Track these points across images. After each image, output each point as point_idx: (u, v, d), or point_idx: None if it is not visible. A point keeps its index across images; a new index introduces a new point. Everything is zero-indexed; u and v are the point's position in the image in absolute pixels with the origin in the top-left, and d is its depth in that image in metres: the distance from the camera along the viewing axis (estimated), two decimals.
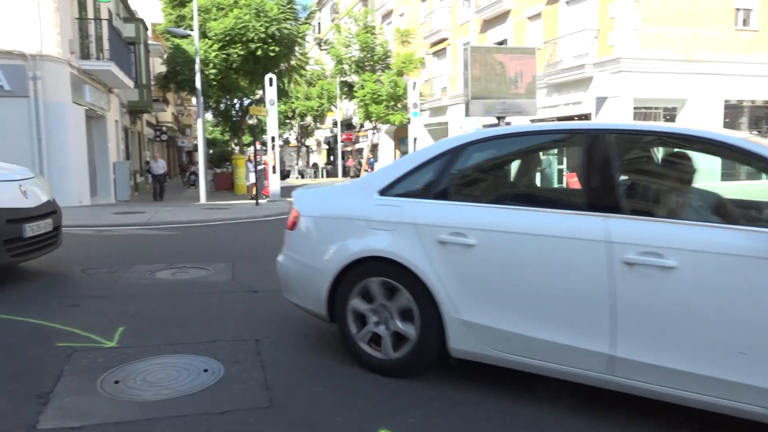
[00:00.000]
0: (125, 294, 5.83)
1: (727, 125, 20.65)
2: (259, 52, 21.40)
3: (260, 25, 20.97)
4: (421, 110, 26.11)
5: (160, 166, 20.83)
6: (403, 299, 3.51)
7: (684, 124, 3.44)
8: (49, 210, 6.58)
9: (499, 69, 18.61)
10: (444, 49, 30.70)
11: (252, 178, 20.23)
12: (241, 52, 21.63)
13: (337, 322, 3.85)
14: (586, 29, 20.04)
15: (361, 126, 32.93)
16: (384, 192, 3.72)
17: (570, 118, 22.62)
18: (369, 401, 3.34)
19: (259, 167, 20.32)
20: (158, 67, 29.08)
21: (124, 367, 3.78)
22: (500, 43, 24.26)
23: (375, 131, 28.47)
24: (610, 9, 19.16)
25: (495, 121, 19.52)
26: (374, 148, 35.08)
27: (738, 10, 20.10)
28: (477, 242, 3.23)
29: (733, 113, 20.98)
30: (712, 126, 18.05)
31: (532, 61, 19.05)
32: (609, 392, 3.04)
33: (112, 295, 5.80)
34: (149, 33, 27.53)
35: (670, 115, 20.17)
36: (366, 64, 25.11)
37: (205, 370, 3.73)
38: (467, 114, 19.03)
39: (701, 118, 19.82)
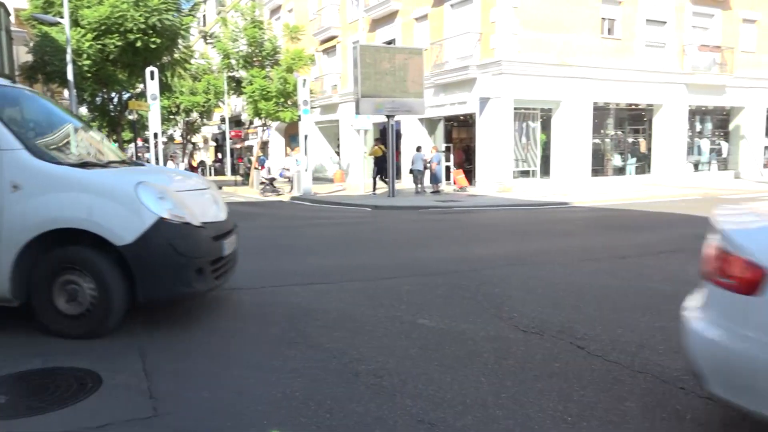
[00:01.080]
0: None
1: (595, 126, 22.37)
2: (138, 44, 20.25)
3: (139, 15, 19.84)
4: (312, 108, 25.95)
5: None
6: None
7: None
8: (234, 224, 5.53)
9: (388, 68, 18.92)
10: (334, 47, 30.70)
11: None
12: (119, 43, 20.36)
13: None
14: (469, 32, 20.85)
15: (251, 123, 32.15)
16: None
17: (456, 117, 23.48)
18: (257, 406, 3.28)
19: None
20: (23, 56, 26.68)
21: None
22: (389, 43, 24.66)
23: (265, 128, 27.89)
24: (491, 13, 20.07)
25: (385, 119, 19.84)
26: (264, 145, 34.41)
27: (604, 19, 21.79)
28: None
29: (600, 114, 22.75)
30: None
31: (420, 61, 19.55)
32: None
33: None
34: (12, 18, 25.13)
35: (546, 115, 21.50)
36: (254, 59, 24.52)
37: (82, 383, 3.49)
38: (358, 112, 19.18)
39: (573, 118, 21.30)
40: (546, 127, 21.63)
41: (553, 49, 20.56)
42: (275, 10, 36.43)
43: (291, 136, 33.72)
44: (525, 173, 21.44)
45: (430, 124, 24.14)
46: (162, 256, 4.27)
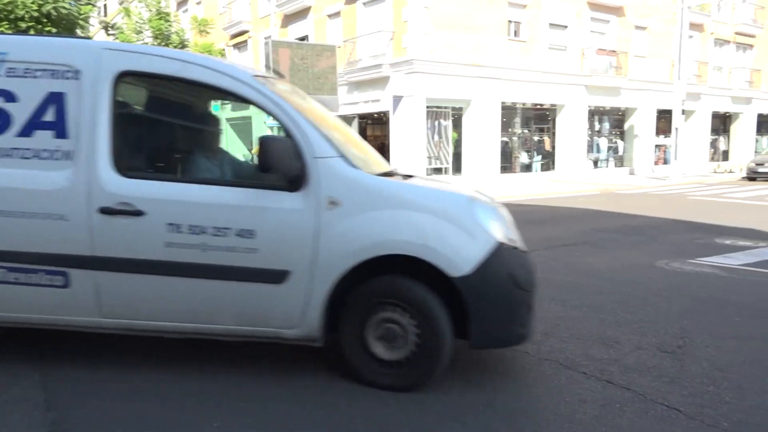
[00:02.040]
0: None
1: (504, 125, 23.20)
2: (31, 32, 18.86)
3: (32, 2, 18.49)
4: (223, 104, 25.27)
5: None
6: None
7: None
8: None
9: (301, 65, 18.73)
10: (245, 41, 30.01)
11: None
12: (9, 32, 18.88)
13: None
14: (382, 31, 21.02)
15: None
16: None
17: (370, 115, 23.63)
18: (172, 412, 3.16)
19: None
20: None
21: None
22: (302, 39, 24.40)
23: None
24: (403, 13, 20.33)
25: None
26: None
27: (510, 22, 22.62)
28: None
29: (508, 113, 23.63)
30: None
31: (333, 58, 19.49)
32: None
33: None
34: None
35: (458, 114, 22.07)
36: None
37: None
38: None
39: (483, 117, 21.99)
40: (457, 125, 22.20)
41: (463, 50, 21.11)
42: (182, 2, 35.12)
43: None
44: (438, 170, 21.91)
45: (345, 121, 24.05)
46: (502, 290, 3.39)
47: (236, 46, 30.88)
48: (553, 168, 25.12)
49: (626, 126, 28.22)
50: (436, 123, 21.48)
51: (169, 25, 23.73)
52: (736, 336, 4.48)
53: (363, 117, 24.08)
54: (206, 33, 24.43)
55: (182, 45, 24.05)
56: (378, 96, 21.30)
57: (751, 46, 31.85)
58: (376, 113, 23.00)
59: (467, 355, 4.07)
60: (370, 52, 21.59)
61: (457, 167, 22.24)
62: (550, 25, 23.61)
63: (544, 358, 4.02)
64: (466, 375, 3.71)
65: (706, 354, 4.09)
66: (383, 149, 23.60)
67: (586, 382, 3.58)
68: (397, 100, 20.47)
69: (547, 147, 25.33)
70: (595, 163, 27.03)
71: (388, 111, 21.18)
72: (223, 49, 26.96)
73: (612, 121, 27.93)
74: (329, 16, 23.92)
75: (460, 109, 22.07)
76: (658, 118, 28.15)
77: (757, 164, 23.72)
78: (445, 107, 21.61)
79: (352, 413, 3.16)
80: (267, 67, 18.13)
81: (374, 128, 25.35)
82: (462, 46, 21.07)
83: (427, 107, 20.83)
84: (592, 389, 3.49)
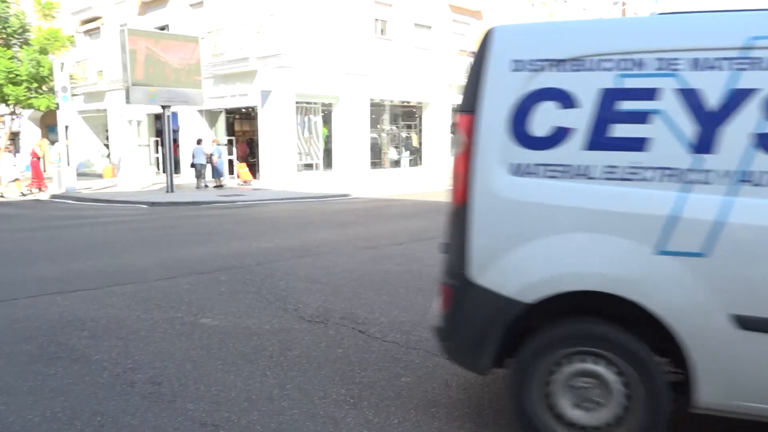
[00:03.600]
0: None
1: (373, 121, 23.61)
2: None
3: None
4: (74, 95, 23.27)
5: None
6: None
7: None
8: None
9: (162, 55, 17.77)
10: (98, 28, 27.80)
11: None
12: None
13: None
14: (248, 23, 20.48)
15: None
16: None
17: (238, 109, 22.95)
18: None
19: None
20: None
21: None
22: (161, 28, 23.08)
23: (14, 117, 24.20)
24: (270, 5, 19.93)
25: (160, 109, 18.61)
26: (14, 136, 29.94)
27: (377, 20, 23.04)
28: None
29: (377, 110, 24.07)
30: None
31: (196, 49, 18.69)
32: None
33: None
34: None
35: (327, 110, 22.10)
36: None
37: None
38: (128, 101, 17.69)
39: (352, 113, 22.21)
40: (327, 121, 22.23)
41: (332, 46, 21.15)
42: None
43: (48, 126, 29.88)
44: (309, 166, 21.80)
45: (211, 116, 23.25)
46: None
47: (87, 32, 28.54)
48: (421, 163, 26.01)
49: None
50: (306, 119, 21.36)
51: (7, 7, 21.44)
52: None
53: (230, 112, 23.34)
54: (51, 17, 22.37)
55: (23, 29, 21.83)
56: (246, 90, 20.74)
57: None
58: (244, 108, 22.39)
59: (341, 352, 4.10)
60: (237, 45, 20.94)
61: (328, 163, 22.29)
62: (415, 25, 24.37)
63: (413, 347, 4.15)
64: (340, 367, 3.74)
65: None
66: (253, 145, 23.08)
67: (452, 368, 3.75)
68: (265, 94, 20.07)
69: (415, 143, 26.16)
70: None
71: (256, 106, 20.70)
72: (72, 36, 24.80)
73: None
74: (192, 5, 22.85)
75: (330, 105, 22.12)
76: None
77: None
78: (315, 103, 21.55)
79: None
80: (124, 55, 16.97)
81: (242, 123, 24.67)
82: (331, 41, 21.10)
83: (297, 102, 20.64)
84: (457, 374, 3.66)
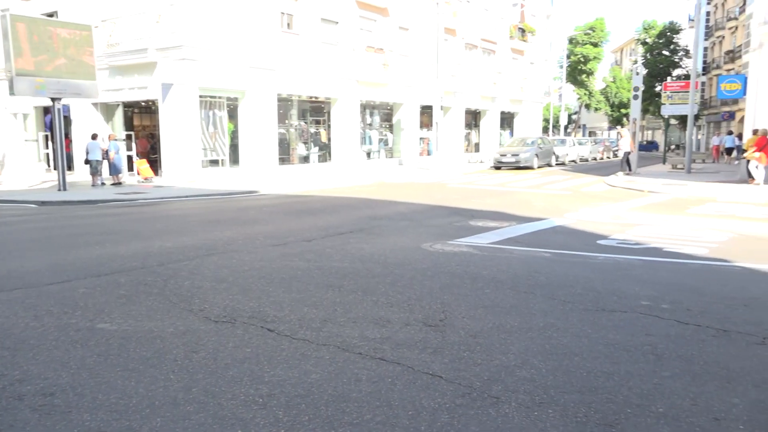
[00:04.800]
0: None
1: (280, 116, 23.27)
2: None
3: None
4: None
5: None
6: None
7: None
8: None
9: (50, 44, 16.59)
10: None
11: None
12: None
13: None
14: (146, 12, 19.53)
15: None
16: None
17: (137, 103, 21.85)
18: None
19: None
20: None
21: None
22: (50, 15, 21.53)
23: None
24: None
25: (48, 102, 17.38)
26: None
27: (283, 14, 22.68)
28: None
29: (284, 105, 23.74)
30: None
31: (89, 38, 17.61)
32: None
33: None
34: None
35: (233, 104, 21.53)
36: None
37: None
38: (12, 92, 16.38)
39: (259, 108, 21.77)
40: (233, 116, 21.65)
41: (237, 39, 20.60)
42: None
43: None
44: (214, 162, 21.16)
45: (107, 109, 21.97)
46: None
47: None
48: (330, 159, 25.94)
49: (394, 119, 30.27)
50: (211, 113, 20.70)
51: None
52: (486, 306, 5.11)
53: (128, 105, 22.19)
54: None
55: None
56: (145, 83, 19.77)
57: (493, 51, 36.36)
58: (143, 101, 21.36)
59: (249, 352, 4.03)
60: (134, 35, 19.91)
61: (234, 159, 21.73)
62: (322, 20, 24.22)
63: (323, 343, 4.15)
64: (248, 367, 3.67)
65: (463, 324, 4.60)
66: (154, 140, 22.06)
67: (362, 362, 3.79)
68: (166, 87, 19.23)
69: (324, 139, 26.05)
70: (368, 154, 28.54)
71: (157, 99, 19.80)
72: None
73: (382, 115, 29.74)
74: None
75: (236, 99, 21.57)
76: (421, 113, 30.73)
77: (501, 155, 27.29)
78: (220, 97, 20.93)
79: None
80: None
81: (142, 117, 23.52)
82: (235, 34, 20.55)
83: (201, 96, 19.96)
84: (367, 368, 3.70)
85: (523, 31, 38.92)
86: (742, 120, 29.21)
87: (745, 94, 23.04)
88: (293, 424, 2.97)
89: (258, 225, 10.29)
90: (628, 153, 22.56)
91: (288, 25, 22.93)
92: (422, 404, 3.19)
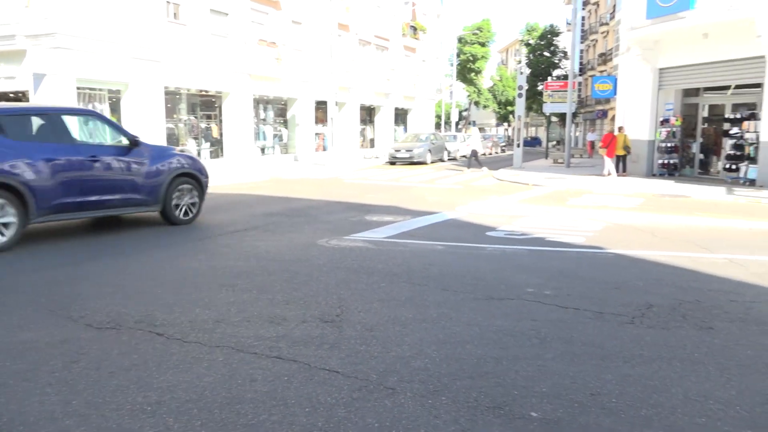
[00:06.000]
0: None
1: (168, 110, 22.22)
2: None
3: None
4: None
5: None
6: None
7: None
8: None
9: None
10: None
11: None
12: None
13: None
14: None
15: None
16: None
17: (5, 94, 19.98)
18: None
19: None
20: None
21: None
22: None
23: None
24: None
25: None
26: None
27: (168, 2, 21.63)
28: None
29: (173, 99, 22.70)
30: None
31: None
32: None
33: None
34: None
35: (116, 97, 20.29)
36: None
37: None
38: None
39: (144, 101, 20.66)
40: (116, 109, 20.38)
41: (118, 27, 19.39)
42: None
43: None
44: None
45: None
46: None
47: None
48: (222, 155, 25.16)
49: (289, 115, 29.88)
50: (91, 106, 19.37)
51: None
52: (381, 299, 5.19)
53: None
54: None
55: None
56: (13, 72, 18.13)
57: (387, 48, 36.85)
58: (12, 92, 19.55)
59: (136, 358, 3.83)
60: (0, 20, 18.19)
61: None
62: (212, 11, 23.38)
63: (216, 345, 4.03)
64: (135, 374, 3.48)
65: (360, 318, 4.64)
66: None
67: (257, 362, 3.72)
68: (38, 78, 17.74)
69: (215, 134, 25.21)
70: (263, 150, 27.98)
71: (28, 90, 18.22)
72: None
73: (276, 110, 29.25)
74: None
75: (119, 91, 20.33)
76: (316, 108, 30.55)
77: (395, 151, 27.77)
78: (101, 89, 19.64)
79: None
80: None
81: None
82: (116, 23, 19.33)
83: (78, 88, 18.61)
84: (263, 367, 3.64)
85: (414, 29, 39.76)
86: (613, 118, 31.64)
87: (615, 93, 25.00)
88: (185, 431, 2.86)
89: (144, 225, 9.78)
90: (476, 152, 24.36)
91: (174, 15, 21.92)
92: (319, 400, 3.19)
